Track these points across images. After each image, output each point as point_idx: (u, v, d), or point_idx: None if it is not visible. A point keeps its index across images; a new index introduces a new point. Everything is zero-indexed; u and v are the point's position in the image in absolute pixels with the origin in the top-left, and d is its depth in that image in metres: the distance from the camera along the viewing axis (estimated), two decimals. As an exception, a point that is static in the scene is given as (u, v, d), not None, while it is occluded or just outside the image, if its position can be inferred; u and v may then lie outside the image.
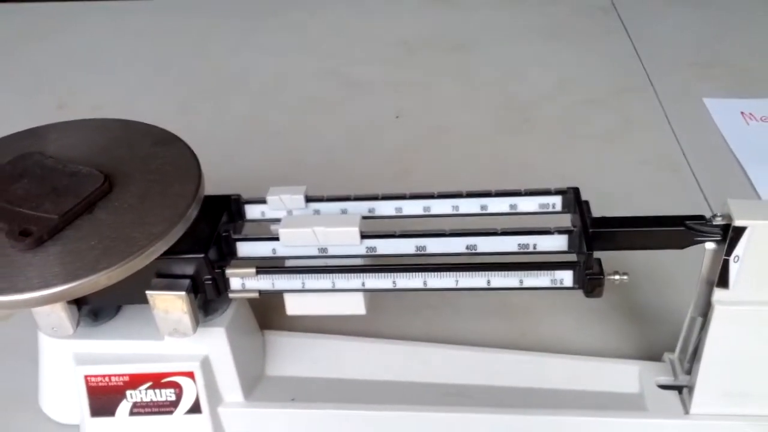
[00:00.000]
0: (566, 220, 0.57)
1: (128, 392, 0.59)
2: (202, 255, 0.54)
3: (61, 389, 0.61)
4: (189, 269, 0.54)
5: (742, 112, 1.00)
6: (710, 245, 0.53)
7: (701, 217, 0.53)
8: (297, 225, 0.56)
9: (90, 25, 1.34)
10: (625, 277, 0.53)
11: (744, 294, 0.53)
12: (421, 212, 0.59)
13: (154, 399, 0.59)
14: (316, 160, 0.96)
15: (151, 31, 1.31)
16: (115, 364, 0.58)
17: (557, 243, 0.54)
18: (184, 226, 0.54)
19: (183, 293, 0.53)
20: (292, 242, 0.56)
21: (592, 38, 1.22)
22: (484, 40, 1.23)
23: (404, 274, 0.54)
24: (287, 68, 1.18)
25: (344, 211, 0.59)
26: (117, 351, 0.59)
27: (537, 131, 1.00)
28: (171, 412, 0.59)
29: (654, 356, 0.64)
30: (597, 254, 0.53)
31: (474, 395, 0.62)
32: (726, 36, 1.20)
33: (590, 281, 0.52)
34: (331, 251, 0.56)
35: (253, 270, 0.55)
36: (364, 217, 0.57)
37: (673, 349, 0.62)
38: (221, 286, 0.56)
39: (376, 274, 0.55)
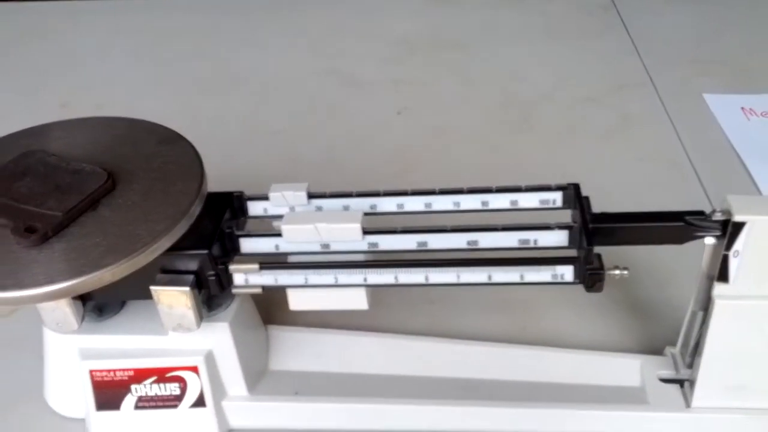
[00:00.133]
0: (567, 216, 0.57)
1: (133, 386, 0.59)
2: (205, 251, 0.54)
3: (67, 383, 0.62)
4: (193, 265, 0.55)
5: (742, 108, 1.00)
6: (710, 240, 0.53)
7: (701, 213, 0.53)
8: (299, 221, 0.56)
9: (92, 24, 1.34)
10: (626, 271, 0.53)
11: (744, 288, 0.53)
12: (422, 208, 0.59)
13: (159, 393, 0.59)
14: (318, 158, 0.96)
15: (153, 30, 1.31)
16: (119, 359, 0.59)
17: (558, 238, 0.54)
18: (188, 223, 0.54)
19: (187, 289, 0.54)
20: (294, 238, 0.56)
21: (592, 35, 1.22)
22: (484, 38, 1.23)
23: (406, 269, 0.55)
24: (288, 67, 1.18)
25: (346, 208, 0.59)
26: (122, 346, 0.59)
27: (537, 129, 1.00)
28: (176, 406, 0.60)
29: (655, 350, 0.64)
30: (597, 249, 0.53)
31: (475, 389, 0.62)
32: (726, 31, 1.20)
33: (591, 276, 0.52)
34: (333, 247, 0.56)
35: (257, 266, 0.55)
36: (366, 214, 0.57)
37: (674, 343, 0.62)
38: (225, 281, 0.56)
39: (378, 269, 0.55)
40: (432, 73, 1.15)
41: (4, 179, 0.56)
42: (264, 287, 0.56)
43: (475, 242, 0.55)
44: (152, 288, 0.54)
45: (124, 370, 0.59)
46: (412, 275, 0.55)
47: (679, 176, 0.89)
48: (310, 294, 0.57)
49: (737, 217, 0.51)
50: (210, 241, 0.55)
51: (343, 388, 0.63)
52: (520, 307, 0.72)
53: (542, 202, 0.58)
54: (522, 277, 0.54)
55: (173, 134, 0.62)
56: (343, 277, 0.55)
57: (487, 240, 0.55)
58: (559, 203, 0.58)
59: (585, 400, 0.61)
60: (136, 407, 0.60)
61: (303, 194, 0.59)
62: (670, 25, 1.23)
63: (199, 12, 1.36)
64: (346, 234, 0.55)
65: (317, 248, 0.56)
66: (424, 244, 0.55)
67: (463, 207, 0.59)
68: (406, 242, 0.55)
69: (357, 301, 0.57)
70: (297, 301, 0.57)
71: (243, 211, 0.61)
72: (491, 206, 0.58)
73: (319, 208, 0.60)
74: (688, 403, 0.59)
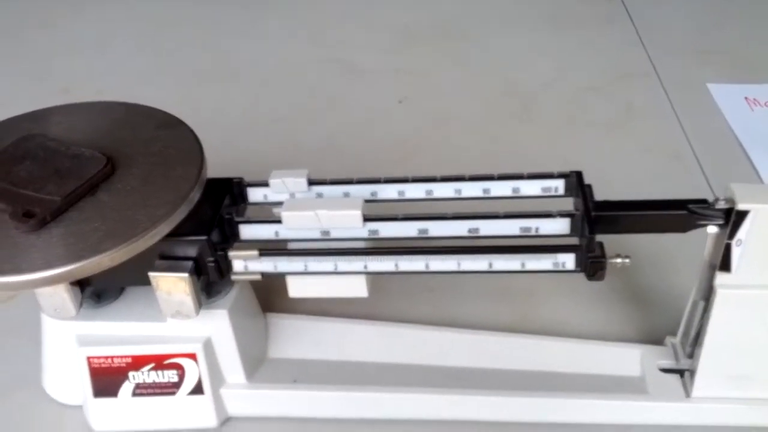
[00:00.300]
0: (569, 204, 0.57)
1: (131, 373, 0.59)
2: (204, 237, 0.54)
3: (64, 370, 0.62)
4: (192, 251, 0.54)
5: (746, 98, 1.00)
6: (713, 229, 0.53)
7: (704, 201, 0.52)
8: (299, 208, 0.56)
9: (95, 12, 1.34)
10: (627, 260, 0.53)
11: (746, 278, 0.53)
12: (423, 196, 0.59)
13: (157, 380, 0.59)
14: (319, 146, 0.96)
15: (154, 19, 1.31)
16: (117, 346, 0.58)
17: (559, 226, 0.54)
18: (187, 209, 0.54)
19: (186, 275, 0.53)
20: (294, 225, 0.56)
21: (595, 24, 1.21)
22: (486, 26, 1.22)
23: (406, 256, 0.54)
24: (289, 56, 1.17)
25: (347, 195, 0.59)
26: (120, 332, 0.59)
27: (540, 118, 1.00)
28: (173, 394, 0.59)
29: (655, 340, 0.64)
30: (599, 238, 0.53)
31: (475, 378, 0.62)
32: (730, 21, 1.19)
33: (592, 264, 0.52)
34: (333, 234, 0.56)
35: (256, 252, 0.55)
36: (367, 201, 0.57)
37: (674, 333, 0.62)
38: (224, 268, 0.56)
39: (379, 256, 0.55)
40: (433, 62, 1.14)
41: (3, 163, 0.56)
42: (263, 274, 0.56)
43: (476, 230, 0.54)
44: (151, 274, 0.54)
45: (121, 356, 0.58)
46: (412, 263, 0.55)
47: (682, 166, 0.89)
48: (309, 281, 0.56)
49: (741, 206, 0.51)
50: (209, 227, 0.55)
51: (342, 377, 0.62)
52: (521, 295, 0.72)
53: (544, 189, 0.57)
54: (523, 265, 0.54)
55: (173, 119, 0.62)
56: (343, 264, 0.55)
57: (489, 227, 0.54)
58: (561, 191, 0.57)
59: (585, 390, 0.60)
60: (134, 394, 0.59)
61: (303, 181, 0.59)
62: (675, 14, 1.23)
63: (200, 1, 1.35)
64: (346, 221, 0.55)
65: (317, 235, 0.56)
66: (425, 231, 0.55)
67: (464, 194, 0.58)
68: (407, 229, 0.55)
69: (357, 288, 0.57)
70: (296, 289, 0.57)
71: (243, 198, 0.60)
72: (493, 194, 0.58)
73: (319, 195, 0.59)
74: (688, 393, 0.59)
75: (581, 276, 0.54)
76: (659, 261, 0.73)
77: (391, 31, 1.23)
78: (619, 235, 0.54)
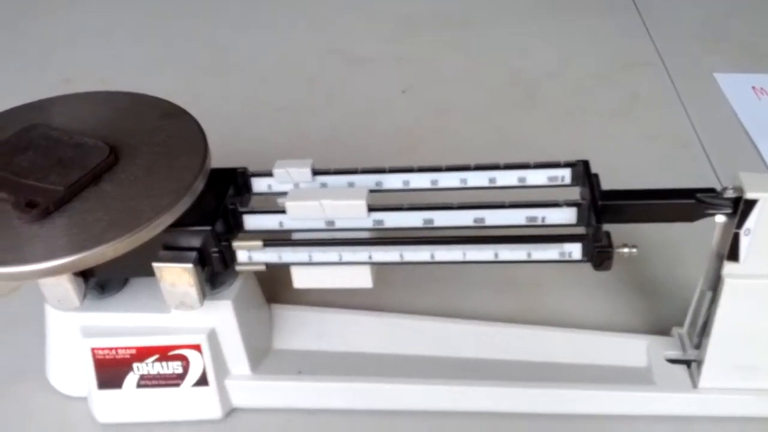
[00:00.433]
0: (575, 194, 0.56)
1: (135, 365, 0.59)
2: (209, 227, 0.54)
3: (68, 362, 0.62)
4: (196, 242, 0.54)
5: (753, 87, 0.99)
6: (721, 218, 0.52)
7: (712, 190, 0.52)
8: (304, 198, 0.55)
9: (95, 2, 1.33)
10: (634, 249, 0.52)
11: (754, 267, 0.53)
12: (428, 185, 0.58)
13: (161, 371, 0.59)
14: (322, 136, 0.95)
15: (156, 9, 1.30)
16: (121, 337, 0.58)
17: (566, 216, 0.54)
18: (191, 199, 0.53)
19: (190, 265, 0.53)
20: (298, 215, 0.55)
21: (600, 12, 1.20)
22: (489, 15, 1.22)
23: (411, 246, 0.54)
24: (291, 46, 1.17)
25: (351, 185, 0.59)
26: (124, 324, 0.59)
27: (544, 107, 0.99)
28: (178, 385, 0.59)
29: (662, 330, 0.64)
30: (606, 228, 0.52)
31: (481, 369, 0.62)
32: (737, 10, 1.19)
33: (599, 254, 0.52)
34: (338, 224, 0.55)
35: (260, 243, 0.55)
36: (371, 191, 0.56)
37: (681, 323, 0.62)
38: (228, 258, 0.55)
39: (383, 247, 0.54)
40: (436, 51, 1.14)
41: (6, 153, 0.56)
42: (268, 265, 0.56)
43: (482, 219, 0.54)
44: (155, 265, 0.53)
45: (126, 348, 0.58)
46: (417, 253, 0.54)
47: (689, 156, 0.88)
48: (314, 272, 0.56)
49: (749, 195, 0.50)
50: (213, 217, 0.54)
51: (347, 368, 0.62)
52: (526, 286, 0.72)
53: (550, 179, 0.57)
54: (529, 255, 0.53)
55: (177, 109, 0.61)
56: (348, 254, 0.55)
57: (494, 217, 0.54)
58: (567, 180, 0.57)
59: (591, 381, 0.60)
60: (138, 386, 0.59)
61: (307, 171, 0.58)
62: (681, 2, 1.22)
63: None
64: (350, 211, 0.55)
65: (322, 225, 0.56)
66: (430, 221, 0.55)
67: (469, 184, 0.58)
68: (412, 219, 0.55)
69: (361, 279, 0.56)
70: (301, 279, 0.57)
71: (247, 188, 0.60)
72: (498, 183, 0.57)
73: (323, 185, 0.59)
74: (695, 384, 0.58)
75: (587, 266, 0.53)
76: (666, 251, 0.73)
77: (393, 20, 1.22)
78: (625, 226, 0.53)
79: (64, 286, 0.54)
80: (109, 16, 1.29)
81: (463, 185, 0.58)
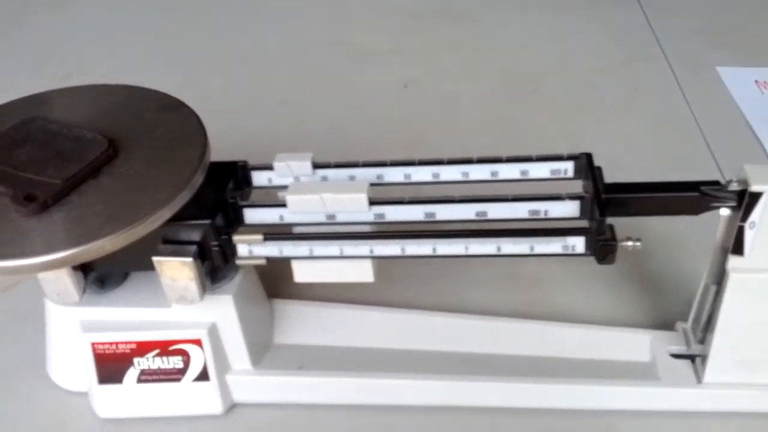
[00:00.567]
0: (578, 187, 0.56)
1: (136, 360, 0.58)
2: (208, 221, 0.53)
3: (69, 357, 0.61)
4: (196, 235, 0.54)
5: (756, 81, 0.99)
6: (725, 211, 0.52)
7: (716, 183, 0.52)
8: (304, 191, 0.55)
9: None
10: (638, 243, 0.52)
11: (759, 261, 0.52)
12: (430, 179, 0.58)
13: (162, 366, 0.58)
14: (324, 130, 0.95)
15: (158, 2, 1.29)
16: (122, 332, 0.58)
17: (569, 209, 0.53)
18: (190, 192, 0.53)
19: (189, 259, 0.53)
20: (299, 209, 0.55)
21: (603, 6, 1.20)
22: (492, 8, 1.21)
23: (413, 240, 0.54)
24: (294, 38, 1.17)
25: (352, 178, 0.58)
26: (124, 318, 0.58)
27: (547, 101, 0.99)
28: (179, 380, 0.59)
29: (666, 325, 0.63)
30: (609, 221, 0.52)
31: (484, 364, 0.61)
32: (740, 4, 1.18)
33: (603, 247, 0.51)
34: (338, 218, 0.55)
35: (261, 237, 0.54)
36: (373, 184, 0.56)
37: (685, 318, 0.61)
38: (228, 252, 0.55)
39: (385, 240, 0.54)
40: (439, 45, 1.13)
41: (4, 146, 0.55)
42: (268, 258, 0.55)
43: (484, 213, 0.54)
44: (154, 259, 0.53)
45: (126, 342, 0.58)
46: (419, 247, 0.54)
47: (692, 150, 0.88)
48: (315, 266, 0.56)
49: (754, 187, 0.50)
50: (213, 211, 0.54)
51: (349, 363, 0.62)
52: (529, 281, 0.71)
53: (553, 172, 0.56)
54: (532, 248, 0.53)
55: (176, 101, 0.61)
56: (349, 248, 0.54)
57: (497, 211, 0.54)
58: (570, 173, 0.56)
59: (594, 375, 0.60)
60: (139, 381, 0.59)
61: (308, 164, 0.58)
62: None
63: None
64: (351, 204, 0.54)
65: (322, 219, 0.55)
66: (432, 215, 0.54)
67: (471, 177, 0.57)
68: (414, 213, 0.54)
69: (363, 273, 0.56)
70: (302, 273, 0.56)
71: (247, 181, 0.60)
72: (501, 176, 0.57)
73: (324, 179, 0.59)
74: (699, 379, 0.58)
75: (590, 261, 0.53)
76: (669, 245, 0.72)
77: (396, 14, 1.22)
78: (628, 220, 0.53)
79: (64, 281, 0.54)
80: (109, 10, 1.29)
81: (465, 178, 0.57)
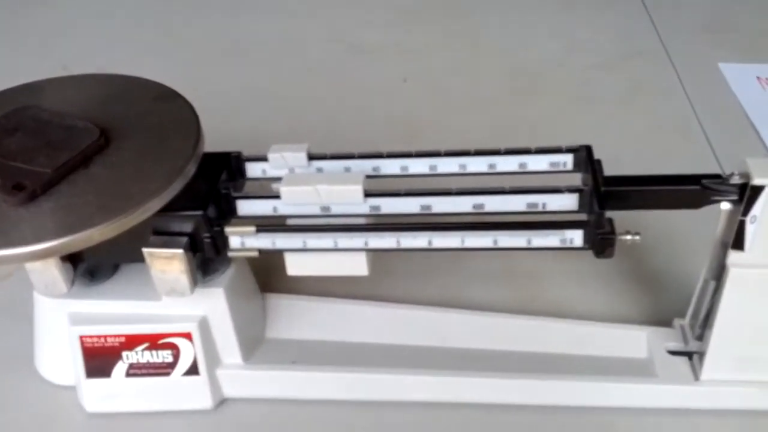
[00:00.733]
0: (577, 180, 0.55)
1: (124, 353, 0.57)
2: (200, 212, 0.52)
3: (57, 350, 0.60)
4: (187, 227, 0.53)
5: (758, 77, 0.98)
6: (726, 205, 0.51)
7: (718, 176, 0.51)
8: (299, 183, 0.54)
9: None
10: (637, 237, 0.51)
11: (760, 256, 0.51)
12: (427, 171, 0.57)
13: (151, 360, 0.57)
14: (321, 125, 0.94)
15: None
16: (111, 325, 0.57)
17: (567, 202, 0.52)
18: (182, 183, 0.52)
19: (180, 251, 0.52)
20: (293, 200, 0.54)
21: (604, 2, 1.19)
22: (492, 3, 1.21)
23: (408, 233, 0.53)
24: (292, 33, 1.16)
25: (348, 170, 0.57)
26: (113, 311, 0.57)
27: (547, 96, 0.98)
28: (168, 374, 0.58)
29: (664, 322, 0.63)
30: (609, 215, 0.51)
31: (479, 360, 0.61)
32: (742, 0, 1.17)
33: (601, 241, 0.50)
34: (333, 210, 0.54)
35: (253, 228, 0.54)
36: (369, 176, 0.55)
37: (683, 314, 0.61)
38: (220, 244, 0.54)
39: (380, 233, 0.53)
40: (438, 40, 1.12)
41: (-6, 135, 0.54)
42: (261, 251, 0.54)
43: (481, 206, 0.53)
44: (144, 250, 0.52)
45: (115, 336, 0.57)
46: (414, 239, 0.53)
47: (693, 146, 0.87)
48: (308, 258, 0.55)
49: (756, 181, 0.49)
50: (205, 202, 0.53)
51: (342, 358, 0.61)
52: (527, 277, 0.71)
53: (552, 164, 0.56)
54: (529, 241, 0.52)
55: (170, 91, 0.60)
56: (343, 240, 0.53)
57: (494, 203, 0.53)
58: (569, 166, 0.56)
59: (591, 372, 0.59)
60: (128, 375, 0.58)
61: (303, 155, 0.57)
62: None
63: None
64: (346, 196, 0.53)
65: (317, 211, 0.54)
66: (428, 207, 0.53)
67: (469, 170, 0.57)
68: (410, 205, 0.53)
69: (357, 266, 0.55)
70: (295, 266, 0.56)
71: (241, 173, 0.59)
72: (498, 169, 0.56)
73: (319, 170, 0.58)
74: (697, 376, 0.57)
75: (588, 256, 0.52)
76: (667, 241, 0.71)
77: (395, 8, 1.21)
78: (626, 216, 0.52)
79: (52, 272, 0.53)
80: (109, 1, 1.28)
81: (462, 171, 0.57)
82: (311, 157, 0.58)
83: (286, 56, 1.10)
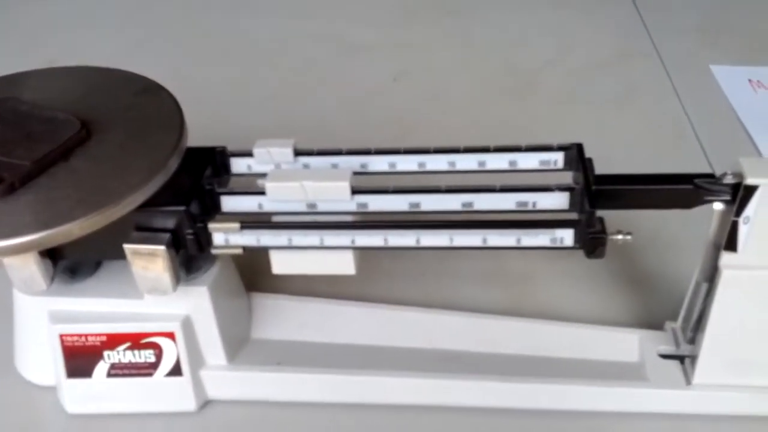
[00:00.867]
0: (568, 178, 0.54)
1: (106, 353, 0.56)
2: (183, 207, 0.51)
3: (37, 349, 0.59)
4: (169, 222, 0.52)
5: (750, 80, 0.98)
6: (719, 205, 0.50)
7: (711, 176, 0.50)
8: (284, 179, 0.53)
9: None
10: (629, 236, 0.50)
11: (753, 258, 0.51)
12: (416, 168, 0.56)
13: (133, 360, 0.56)
14: (311, 123, 0.93)
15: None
16: (92, 323, 0.56)
17: (558, 201, 0.51)
18: (164, 177, 0.51)
19: (162, 247, 0.50)
20: (278, 196, 0.53)
21: (597, 3, 1.19)
22: (485, 3, 1.20)
23: (396, 231, 0.52)
24: (283, 30, 1.15)
25: (335, 166, 0.57)
26: (94, 309, 0.56)
27: (539, 96, 0.98)
28: (150, 374, 0.57)
29: (655, 325, 0.62)
30: (599, 214, 0.50)
31: (468, 363, 0.60)
32: (734, 3, 1.18)
33: (592, 240, 0.49)
34: (320, 207, 0.53)
35: (238, 225, 0.52)
36: (356, 173, 0.54)
37: (675, 317, 0.60)
38: (203, 241, 0.53)
39: (367, 230, 0.52)
40: (430, 38, 1.12)
41: (-29, 128, 0.53)
42: (245, 248, 0.53)
43: (471, 204, 0.52)
44: (125, 246, 0.51)
45: (96, 335, 0.56)
46: (402, 237, 0.52)
47: (685, 148, 0.87)
48: (294, 256, 0.54)
49: (749, 180, 0.48)
50: (188, 197, 0.52)
51: (328, 359, 0.60)
52: (518, 278, 0.70)
53: (542, 163, 0.55)
54: (519, 240, 0.51)
55: (153, 84, 0.59)
56: (330, 238, 0.52)
57: (483, 202, 0.52)
58: (560, 164, 0.55)
59: (582, 376, 0.58)
60: (109, 375, 0.57)
61: (289, 151, 0.56)
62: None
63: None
64: (333, 193, 0.52)
65: (303, 208, 0.53)
66: (417, 205, 0.52)
67: (458, 167, 0.56)
68: (398, 203, 0.52)
69: (344, 265, 0.54)
70: (280, 264, 0.54)
71: (226, 168, 0.58)
72: (488, 167, 0.55)
73: (306, 166, 0.57)
74: (688, 380, 0.57)
75: (578, 257, 0.51)
76: (659, 242, 0.71)
77: (387, 6, 1.21)
78: (617, 217, 0.51)
79: (30, 268, 0.52)
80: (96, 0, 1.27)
81: (451, 168, 0.56)
82: (297, 153, 0.57)
83: (276, 53, 1.09)
